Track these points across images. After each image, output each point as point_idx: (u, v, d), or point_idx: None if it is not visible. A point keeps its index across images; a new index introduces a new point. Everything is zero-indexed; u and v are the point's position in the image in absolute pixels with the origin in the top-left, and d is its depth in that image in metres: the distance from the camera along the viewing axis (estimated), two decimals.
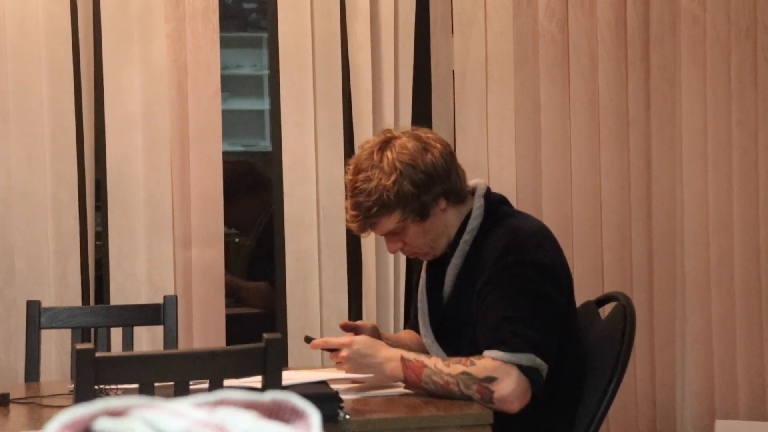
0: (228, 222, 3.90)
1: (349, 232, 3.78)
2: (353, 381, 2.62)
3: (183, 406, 0.70)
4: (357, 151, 2.72)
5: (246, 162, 4.90)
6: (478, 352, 2.47)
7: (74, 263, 3.60)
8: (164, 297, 3.30)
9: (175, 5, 3.67)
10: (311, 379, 2.58)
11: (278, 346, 2.13)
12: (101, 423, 0.67)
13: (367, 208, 2.57)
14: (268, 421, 0.71)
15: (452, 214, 2.66)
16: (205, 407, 0.71)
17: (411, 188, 2.56)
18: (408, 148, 2.59)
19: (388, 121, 3.74)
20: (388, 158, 2.58)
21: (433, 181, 2.59)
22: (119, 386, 2.30)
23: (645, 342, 3.94)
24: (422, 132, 2.68)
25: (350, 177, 2.63)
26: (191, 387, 2.16)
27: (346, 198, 2.67)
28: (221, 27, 3.74)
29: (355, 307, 3.83)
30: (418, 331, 2.79)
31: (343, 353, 2.52)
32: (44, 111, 3.59)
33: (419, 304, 2.77)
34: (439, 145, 2.64)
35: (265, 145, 5.89)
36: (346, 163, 2.87)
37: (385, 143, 2.61)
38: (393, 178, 2.56)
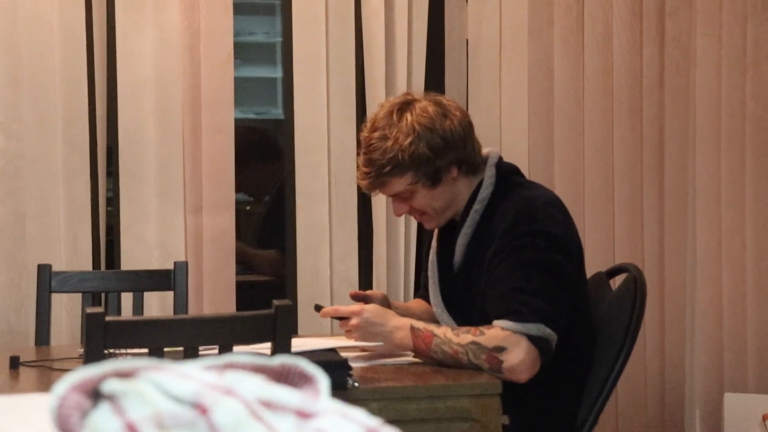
0: (243, 188, 3.91)
1: (360, 200, 3.78)
2: (362, 349, 2.62)
3: (192, 368, 0.70)
4: (376, 109, 2.71)
5: (260, 129, 4.89)
6: (487, 321, 2.47)
7: (85, 228, 3.60)
8: (175, 263, 3.30)
9: None
10: (320, 347, 2.58)
11: (288, 312, 2.13)
12: (110, 384, 0.67)
13: (380, 166, 2.57)
14: (277, 385, 0.71)
15: (463, 184, 2.65)
16: (213, 370, 0.71)
17: (426, 151, 2.56)
18: (428, 111, 2.60)
19: (401, 90, 3.72)
20: (407, 119, 2.58)
21: (449, 147, 2.59)
22: (129, 351, 2.31)
23: (655, 314, 3.94)
24: (443, 99, 2.68)
25: (366, 134, 2.63)
26: (200, 353, 2.16)
27: (359, 154, 2.67)
28: None
29: (366, 276, 3.83)
30: (428, 301, 2.79)
31: (353, 321, 2.52)
32: (56, 76, 3.58)
33: (429, 273, 2.76)
34: (458, 114, 2.64)
35: (277, 113, 5.88)
36: (361, 124, 2.84)
37: (406, 104, 2.62)
38: (410, 139, 2.56)
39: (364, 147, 2.63)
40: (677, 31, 3.97)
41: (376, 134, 2.58)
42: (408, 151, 2.55)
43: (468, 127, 2.65)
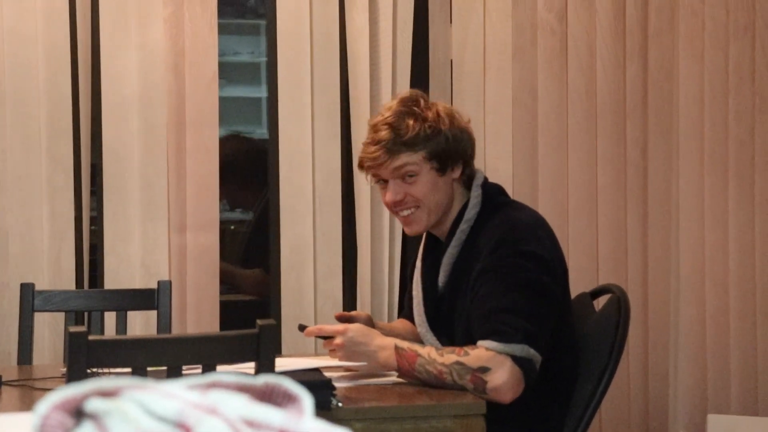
0: (231, 203, 3.93)
1: (344, 220, 3.77)
2: (346, 369, 2.62)
3: (175, 387, 0.69)
4: (364, 127, 2.78)
5: (246, 140, 4.85)
6: (472, 341, 2.47)
7: (68, 247, 3.59)
8: (158, 282, 3.29)
9: None
10: (304, 366, 2.58)
11: (272, 332, 2.13)
12: (92, 403, 0.67)
13: (398, 135, 2.59)
14: (261, 404, 0.71)
15: (457, 193, 2.68)
16: (197, 389, 0.71)
17: (447, 132, 2.63)
18: (449, 108, 2.72)
19: None
20: (431, 105, 2.67)
21: (463, 141, 2.67)
22: (112, 370, 2.30)
23: (639, 335, 3.94)
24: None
25: (383, 112, 2.68)
26: (184, 372, 2.15)
27: (370, 132, 2.67)
28: (219, 14, 3.72)
29: (350, 295, 3.82)
30: (412, 321, 2.79)
31: (337, 341, 2.52)
32: (41, 94, 3.57)
33: (414, 293, 2.76)
34: (469, 126, 2.74)
35: (262, 132, 5.88)
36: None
37: (426, 99, 2.70)
38: (433, 118, 2.63)
39: (381, 121, 2.64)
40: (660, 53, 3.98)
41: (401, 108, 2.64)
42: (430, 128, 2.61)
43: (474, 140, 2.74)
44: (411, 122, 2.61)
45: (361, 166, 2.70)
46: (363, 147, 2.68)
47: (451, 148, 2.63)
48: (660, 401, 4.00)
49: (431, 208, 2.65)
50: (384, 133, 2.61)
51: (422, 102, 2.67)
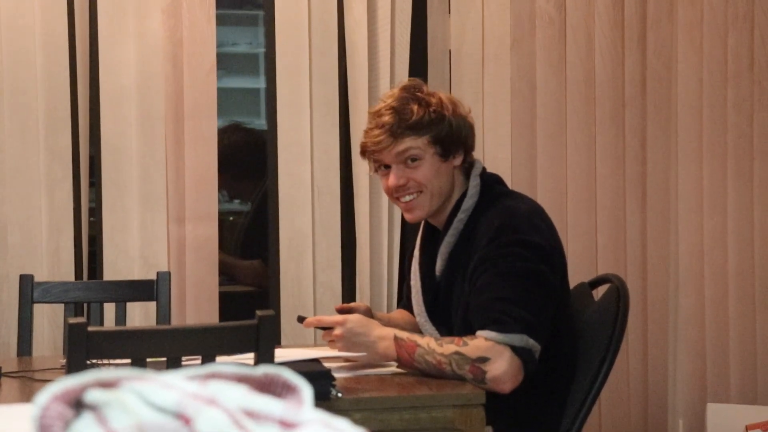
0: (229, 194, 3.94)
1: (343, 210, 3.77)
2: (346, 359, 2.62)
3: (174, 378, 0.69)
4: (366, 114, 2.79)
5: (245, 131, 4.84)
6: (470, 331, 2.47)
7: (67, 238, 3.59)
8: (157, 273, 3.29)
9: None
10: (304, 357, 2.58)
11: (271, 322, 2.13)
12: (92, 394, 0.67)
13: (402, 119, 2.60)
14: (260, 395, 0.71)
15: (458, 180, 2.68)
16: (196, 380, 0.71)
17: (450, 118, 2.65)
18: (451, 96, 2.76)
19: None
20: (433, 92, 2.69)
21: (465, 128, 2.69)
22: (111, 361, 2.30)
23: (638, 324, 3.94)
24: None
25: (384, 100, 2.68)
26: (183, 363, 2.15)
27: (373, 117, 2.67)
28: (217, 4, 3.72)
29: (348, 286, 3.82)
30: (410, 311, 2.79)
31: (337, 331, 2.52)
32: (38, 85, 3.57)
33: (412, 283, 2.76)
34: (470, 117, 2.76)
35: (261, 123, 5.88)
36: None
37: (427, 87, 2.73)
38: (437, 103, 2.65)
39: (385, 106, 2.65)
40: (659, 43, 3.98)
41: (407, 94, 2.65)
42: (435, 113, 2.63)
43: (474, 131, 2.75)
44: (415, 107, 2.61)
45: (363, 153, 2.69)
46: (365, 133, 2.68)
47: (454, 135, 2.65)
48: (659, 390, 4.00)
49: (434, 192, 2.65)
50: (388, 118, 2.61)
51: (424, 89, 2.68)
